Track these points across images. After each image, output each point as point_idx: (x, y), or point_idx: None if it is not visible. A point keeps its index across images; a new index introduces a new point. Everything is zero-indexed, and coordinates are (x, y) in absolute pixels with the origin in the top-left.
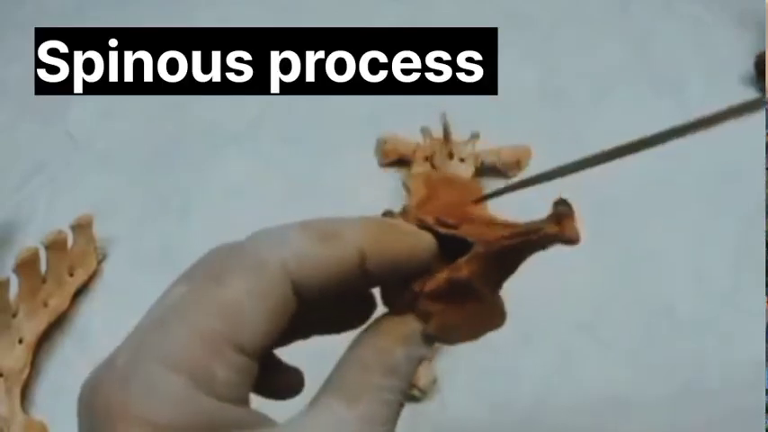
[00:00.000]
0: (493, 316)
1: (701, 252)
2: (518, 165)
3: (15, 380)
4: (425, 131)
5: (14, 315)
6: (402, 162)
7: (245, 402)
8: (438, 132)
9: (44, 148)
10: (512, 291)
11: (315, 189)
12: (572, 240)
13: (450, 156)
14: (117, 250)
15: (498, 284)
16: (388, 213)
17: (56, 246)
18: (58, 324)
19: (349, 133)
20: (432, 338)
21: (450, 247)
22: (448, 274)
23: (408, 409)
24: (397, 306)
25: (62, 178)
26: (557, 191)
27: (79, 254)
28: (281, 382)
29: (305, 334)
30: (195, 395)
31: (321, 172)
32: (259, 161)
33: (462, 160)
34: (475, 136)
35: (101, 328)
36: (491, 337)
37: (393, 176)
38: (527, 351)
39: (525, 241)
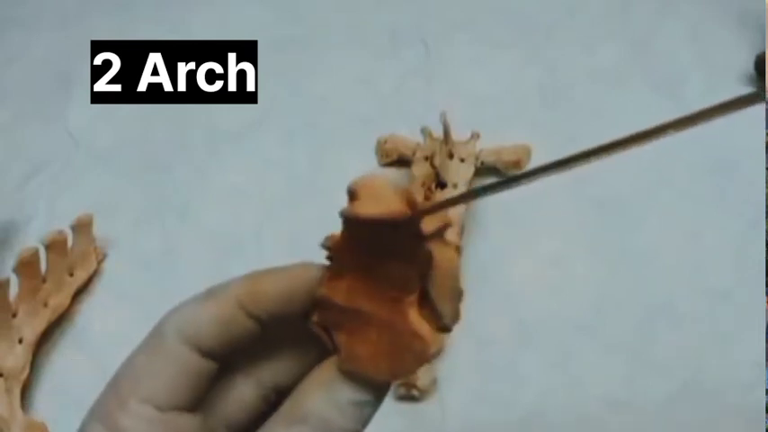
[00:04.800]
0: (411, 343)
1: (701, 251)
2: (518, 164)
3: (15, 380)
4: (425, 131)
5: (14, 315)
6: (402, 162)
7: None
8: (438, 132)
9: (44, 148)
10: (512, 291)
11: (315, 189)
12: (357, 215)
13: (450, 156)
14: (117, 250)
15: (396, 301)
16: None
17: (56, 246)
18: (57, 324)
19: (349, 133)
20: (353, 375)
21: None
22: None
23: (408, 409)
24: (325, 345)
25: (62, 178)
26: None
27: (79, 254)
28: None
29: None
30: None
31: (321, 172)
32: (259, 161)
33: (462, 160)
34: (475, 136)
35: (101, 328)
36: (491, 337)
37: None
38: (527, 351)
39: (346, 236)
